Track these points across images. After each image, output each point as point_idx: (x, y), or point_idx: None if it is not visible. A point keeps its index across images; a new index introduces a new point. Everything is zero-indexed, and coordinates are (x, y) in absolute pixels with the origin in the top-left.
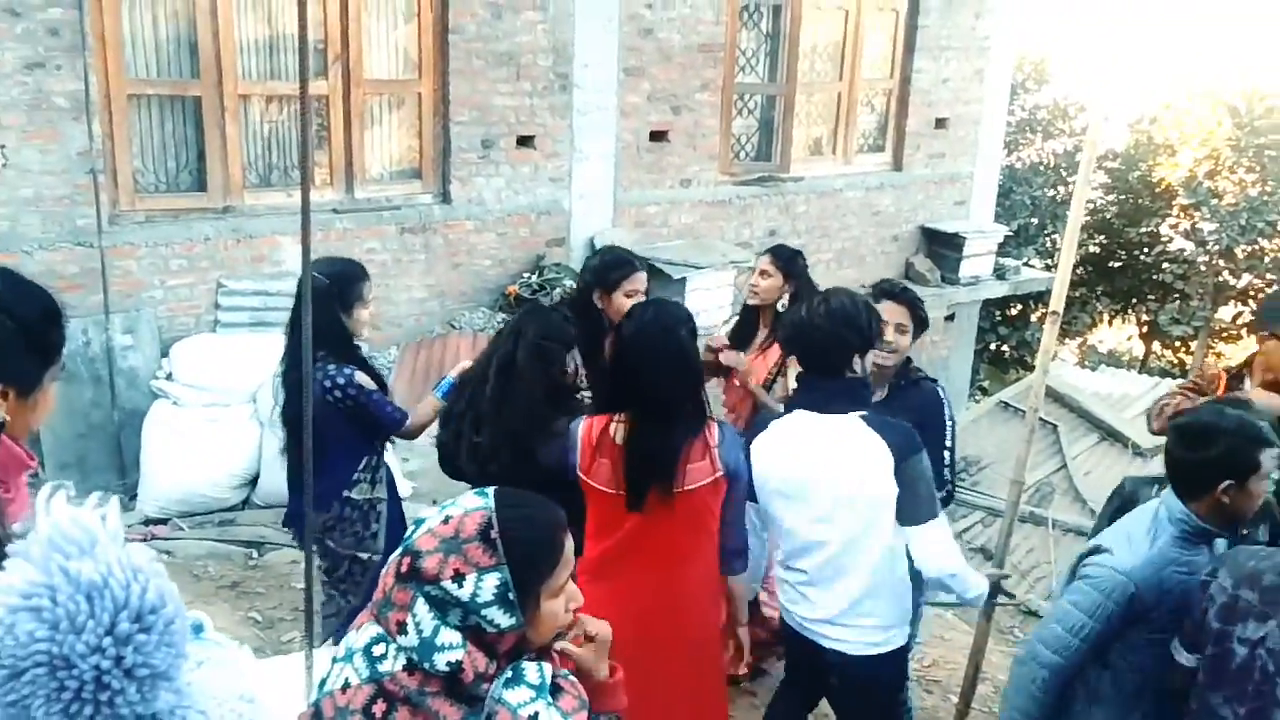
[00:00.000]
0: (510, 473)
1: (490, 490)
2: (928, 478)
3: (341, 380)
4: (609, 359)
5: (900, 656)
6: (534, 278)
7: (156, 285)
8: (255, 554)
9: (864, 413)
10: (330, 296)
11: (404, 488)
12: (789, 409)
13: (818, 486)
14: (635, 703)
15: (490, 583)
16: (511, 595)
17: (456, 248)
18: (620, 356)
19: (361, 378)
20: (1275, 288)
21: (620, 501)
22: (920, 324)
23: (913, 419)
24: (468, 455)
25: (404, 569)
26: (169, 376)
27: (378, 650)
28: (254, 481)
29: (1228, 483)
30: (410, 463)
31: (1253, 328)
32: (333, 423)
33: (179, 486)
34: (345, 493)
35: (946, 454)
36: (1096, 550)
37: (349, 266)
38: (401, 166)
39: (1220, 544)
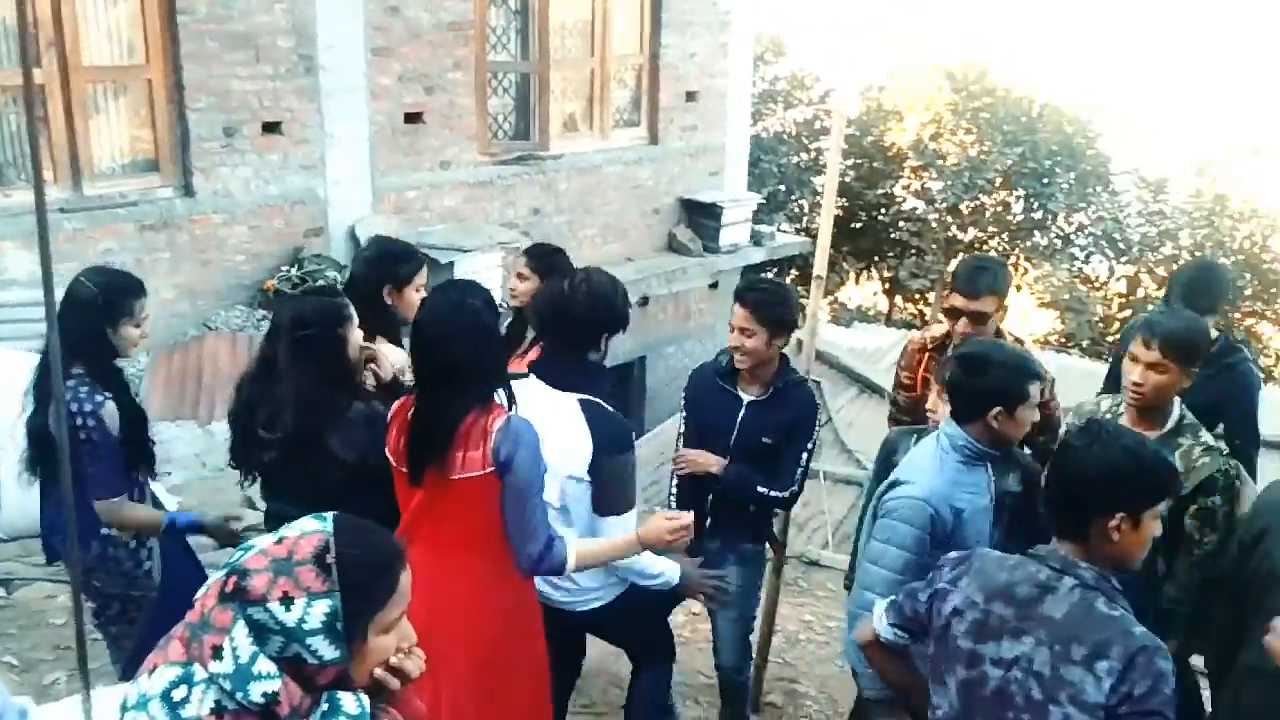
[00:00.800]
0: (301, 467)
1: (330, 515)
2: (623, 478)
3: (89, 408)
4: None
5: (618, 605)
6: (293, 270)
7: None
8: (3, 591)
9: (584, 397)
10: (96, 308)
11: (168, 504)
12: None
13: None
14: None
15: (319, 609)
16: (339, 625)
17: (205, 243)
18: (416, 331)
19: (108, 416)
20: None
21: (406, 478)
22: (775, 325)
23: (787, 419)
24: (256, 451)
25: (228, 588)
26: None
27: (178, 694)
28: None
29: (998, 409)
30: (174, 476)
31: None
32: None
33: None
34: (104, 530)
35: (804, 455)
36: (894, 485)
37: (122, 279)
38: (135, 159)
39: (993, 467)
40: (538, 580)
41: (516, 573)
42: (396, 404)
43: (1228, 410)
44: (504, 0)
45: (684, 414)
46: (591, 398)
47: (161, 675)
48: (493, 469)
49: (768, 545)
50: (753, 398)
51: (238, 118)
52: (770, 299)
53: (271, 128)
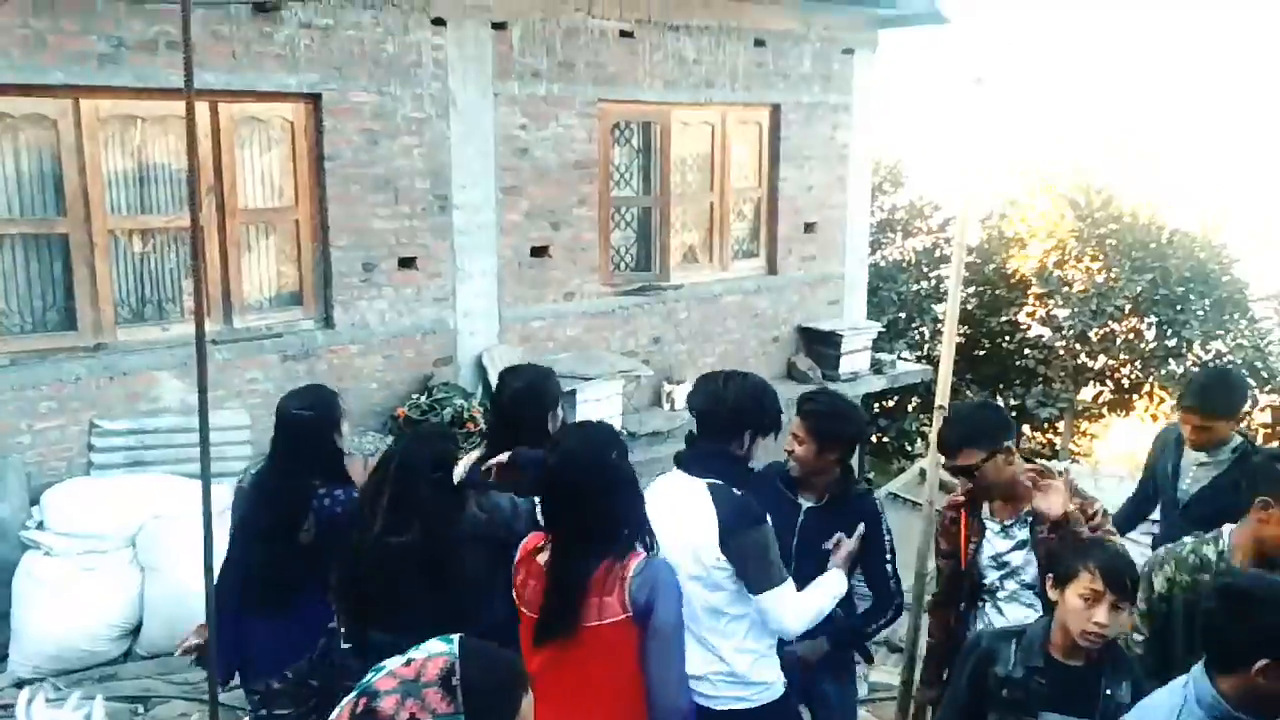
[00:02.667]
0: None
1: (456, 637)
2: (761, 551)
3: (342, 497)
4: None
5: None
6: (423, 398)
7: (24, 430)
8: (141, 709)
9: (713, 481)
10: (321, 423)
11: None
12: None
13: (668, 539)
14: None
15: None
16: None
17: (341, 372)
18: (551, 478)
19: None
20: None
21: (532, 625)
22: (824, 436)
23: (848, 526)
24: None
25: (359, 709)
26: (40, 525)
27: None
28: (136, 631)
29: (1265, 661)
30: None
31: (1115, 407)
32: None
33: (53, 641)
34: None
35: (888, 566)
36: None
37: (322, 391)
38: (281, 293)
39: None
40: (709, 680)
41: None
42: (524, 544)
43: None
44: (627, 139)
45: None
46: (720, 482)
47: None
48: (630, 614)
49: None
50: (811, 504)
51: (376, 254)
52: (821, 411)
53: (407, 263)
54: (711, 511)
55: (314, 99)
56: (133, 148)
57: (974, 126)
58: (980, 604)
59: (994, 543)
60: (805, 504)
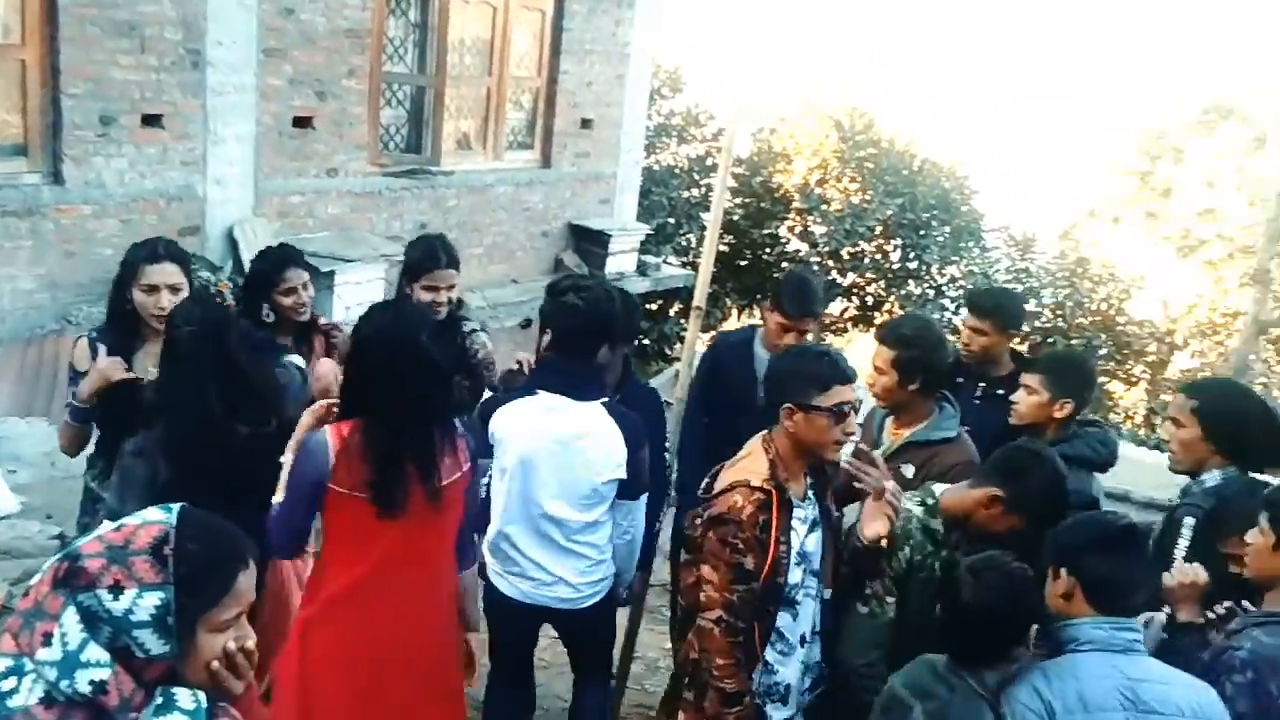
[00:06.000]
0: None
1: (177, 506)
2: (644, 466)
3: None
4: (345, 363)
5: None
6: None
7: None
8: None
9: (605, 401)
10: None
11: (9, 502)
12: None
13: (564, 463)
14: None
15: (149, 602)
16: (170, 620)
17: (71, 234)
18: (361, 361)
19: (76, 352)
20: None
21: (372, 513)
22: (622, 335)
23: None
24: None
25: (60, 573)
26: None
27: (7, 685)
28: None
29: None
30: (18, 474)
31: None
32: None
33: None
34: None
35: (666, 455)
36: None
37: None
38: (2, 143)
39: None
40: (525, 584)
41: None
42: (333, 434)
43: None
44: (403, 11)
45: None
46: (610, 401)
47: None
48: (469, 465)
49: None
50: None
51: (116, 107)
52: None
53: (152, 120)
54: (617, 432)
55: None
56: None
57: (750, 39)
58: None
59: (799, 532)
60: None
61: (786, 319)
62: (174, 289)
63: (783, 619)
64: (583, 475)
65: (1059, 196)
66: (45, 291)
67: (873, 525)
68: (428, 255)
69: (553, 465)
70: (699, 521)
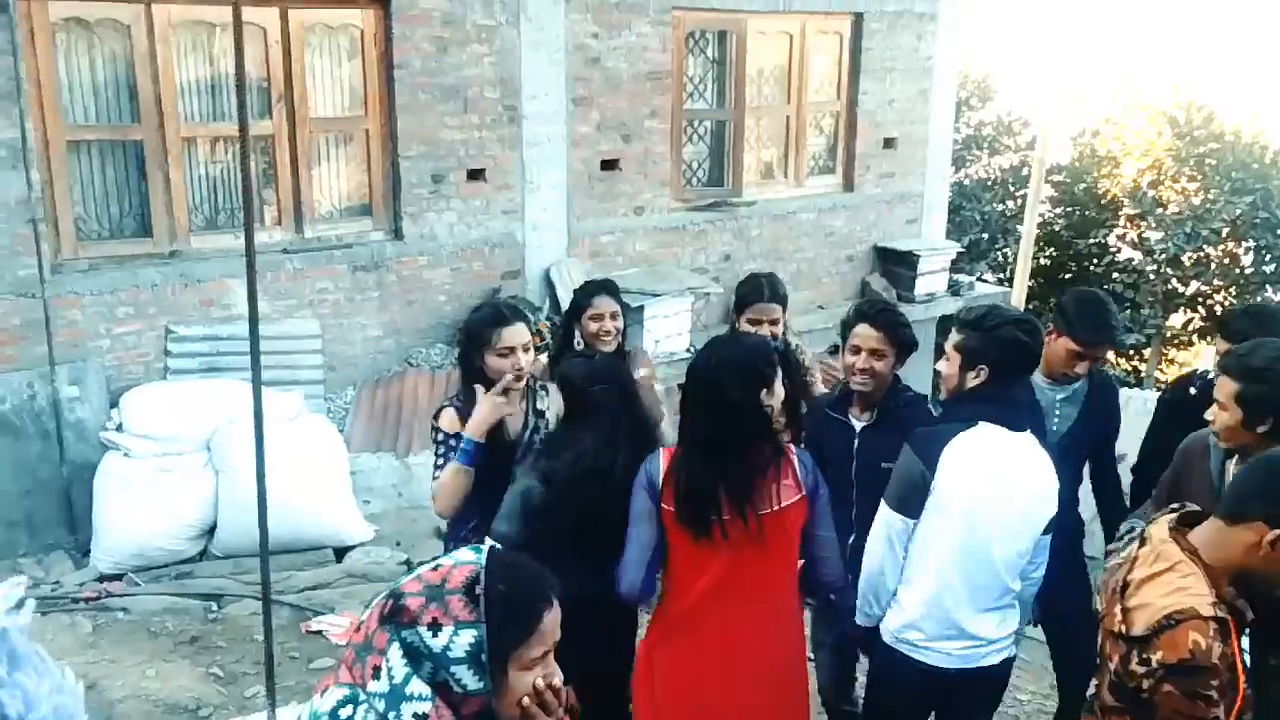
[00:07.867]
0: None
1: (486, 547)
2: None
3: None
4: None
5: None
6: None
7: (103, 334)
8: (215, 607)
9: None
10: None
11: (365, 531)
12: (965, 420)
13: (1012, 506)
14: None
15: (465, 639)
16: (483, 657)
17: (410, 284)
18: (699, 388)
19: (444, 419)
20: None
21: (693, 538)
22: (905, 347)
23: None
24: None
25: (386, 610)
26: (119, 427)
27: (344, 713)
28: (211, 531)
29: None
30: (371, 504)
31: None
32: None
33: (133, 540)
34: None
35: None
36: None
37: (478, 313)
38: (351, 204)
39: None
40: (955, 645)
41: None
42: (665, 456)
43: None
44: (701, 49)
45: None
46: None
47: (331, 695)
48: (805, 493)
49: None
50: (864, 423)
51: (445, 165)
52: (900, 320)
53: (475, 174)
54: (1048, 462)
55: (383, 5)
56: (205, 55)
57: (1066, 38)
58: None
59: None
60: (858, 424)
61: (1080, 345)
62: (526, 348)
63: None
64: (1033, 511)
65: None
66: (390, 337)
67: None
68: (752, 289)
69: (1001, 508)
70: (1139, 670)
